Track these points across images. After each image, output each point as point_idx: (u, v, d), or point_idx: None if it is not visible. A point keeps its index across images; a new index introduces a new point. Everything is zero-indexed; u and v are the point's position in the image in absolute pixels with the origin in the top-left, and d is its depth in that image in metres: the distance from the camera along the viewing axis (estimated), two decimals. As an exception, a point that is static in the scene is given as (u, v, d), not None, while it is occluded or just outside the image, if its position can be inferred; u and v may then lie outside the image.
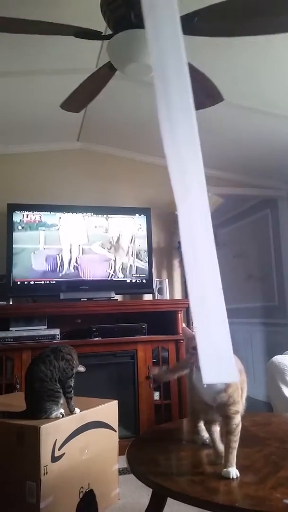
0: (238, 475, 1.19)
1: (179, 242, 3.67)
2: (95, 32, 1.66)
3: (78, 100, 2.03)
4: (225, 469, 1.20)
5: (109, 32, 1.68)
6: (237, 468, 1.22)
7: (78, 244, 3.22)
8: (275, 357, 2.59)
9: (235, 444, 1.24)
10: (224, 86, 2.59)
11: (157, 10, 0.75)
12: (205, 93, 2.01)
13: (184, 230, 0.87)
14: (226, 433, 1.25)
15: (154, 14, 0.74)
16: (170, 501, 1.38)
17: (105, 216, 3.31)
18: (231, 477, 1.18)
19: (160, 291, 3.41)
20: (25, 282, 3.03)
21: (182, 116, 0.72)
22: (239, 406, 1.29)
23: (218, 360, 0.95)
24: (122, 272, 3.28)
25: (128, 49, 1.64)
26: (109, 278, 3.24)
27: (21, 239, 3.08)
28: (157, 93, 0.68)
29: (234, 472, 1.20)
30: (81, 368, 1.96)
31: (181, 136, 0.72)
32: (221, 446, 1.30)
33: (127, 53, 1.65)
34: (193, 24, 1.58)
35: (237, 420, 1.26)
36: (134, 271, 3.31)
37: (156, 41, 0.72)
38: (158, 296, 3.39)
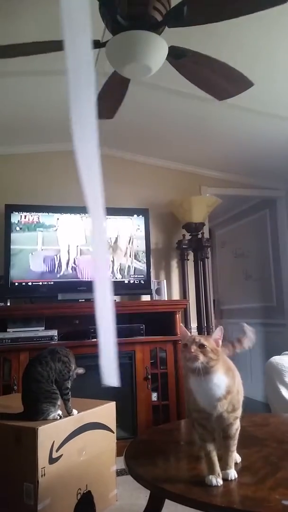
0: (236, 476, 1.19)
1: (177, 243, 3.68)
2: (95, 42, 1.67)
3: (105, 107, 2.06)
4: (223, 471, 1.19)
5: (107, 37, 1.68)
6: (235, 469, 1.22)
7: (76, 245, 3.22)
8: (273, 357, 2.59)
9: (234, 448, 1.23)
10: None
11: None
12: (229, 80, 1.95)
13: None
14: (226, 438, 1.22)
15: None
16: (168, 503, 1.38)
17: (103, 217, 3.30)
18: (229, 478, 1.18)
19: (158, 292, 3.41)
20: (23, 283, 3.02)
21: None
22: (239, 412, 1.26)
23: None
24: (120, 273, 3.28)
25: (126, 50, 1.64)
26: (107, 279, 3.23)
27: (19, 240, 3.08)
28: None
29: (232, 473, 1.19)
30: (80, 370, 1.96)
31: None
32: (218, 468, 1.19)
33: (123, 54, 1.65)
34: (184, 14, 1.58)
35: (236, 425, 1.24)
36: (132, 272, 3.31)
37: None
38: (156, 297, 3.38)
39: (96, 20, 1.66)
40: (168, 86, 2.59)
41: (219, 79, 1.88)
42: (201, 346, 1.18)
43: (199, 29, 1.67)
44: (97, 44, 1.70)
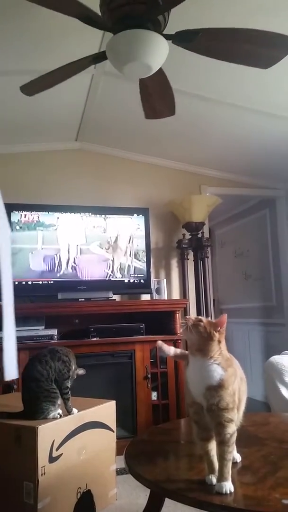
0: (232, 490, 1.11)
1: (178, 242, 3.68)
2: (98, 19, 1.62)
3: (40, 85, 1.98)
4: (218, 483, 1.13)
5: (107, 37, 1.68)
6: (235, 468, 1.22)
7: (76, 244, 3.22)
8: (272, 357, 2.59)
9: (229, 456, 1.15)
10: (223, 86, 2.61)
11: None
12: (164, 104, 2.12)
13: None
14: (219, 443, 1.15)
15: None
16: (167, 501, 1.38)
17: (103, 216, 3.31)
18: (224, 492, 1.10)
19: (158, 291, 3.41)
20: (23, 282, 3.02)
21: None
22: (233, 415, 1.17)
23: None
24: (120, 272, 3.28)
25: (127, 48, 1.64)
26: (107, 278, 3.24)
27: (19, 239, 3.08)
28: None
29: (228, 487, 1.11)
30: (81, 371, 1.96)
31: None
32: (216, 465, 1.18)
33: (126, 53, 1.65)
34: (194, 40, 1.64)
35: (231, 429, 1.16)
36: (132, 271, 3.31)
37: None
38: (156, 296, 3.38)
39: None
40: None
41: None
42: (199, 320, 1.22)
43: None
44: (100, 25, 1.66)
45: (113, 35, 1.65)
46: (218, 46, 1.69)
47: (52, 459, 1.72)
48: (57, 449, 1.75)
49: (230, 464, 1.15)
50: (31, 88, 1.99)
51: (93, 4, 1.59)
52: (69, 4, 1.50)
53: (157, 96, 2.04)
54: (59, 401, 1.85)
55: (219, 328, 1.21)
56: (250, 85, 2.57)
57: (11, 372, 1.55)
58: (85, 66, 1.84)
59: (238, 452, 1.32)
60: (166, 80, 1.92)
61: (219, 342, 1.20)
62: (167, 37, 1.67)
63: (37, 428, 1.67)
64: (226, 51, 1.73)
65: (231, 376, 1.20)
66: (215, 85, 2.59)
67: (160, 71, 1.82)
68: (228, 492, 1.11)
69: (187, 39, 1.66)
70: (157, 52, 1.66)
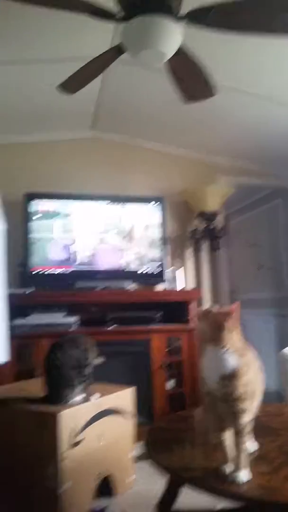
0: (247, 479, 1.13)
1: (192, 232, 3.68)
2: (110, 13, 1.63)
3: (77, 82, 2.01)
4: (234, 473, 1.15)
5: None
6: (250, 458, 1.24)
7: (93, 233, 3.25)
8: (287, 347, 2.60)
9: (244, 446, 1.18)
10: (238, 74, 2.57)
11: None
12: (201, 86, 2.05)
13: None
14: (235, 433, 1.19)
15: None
16: (185, 488, 1.42)
17: (119, 205, 3.33)
18: (239, 481, 1.12)
19: (173, 280, 3.43)
20: (42, 271, 3.08)
21: None
22: (248, 404, 1.18)
23: None
24: (136, 262, 3.30)
25: (143, 35, 1.62)
26: (123, 267, 3.27)
27: (38, 229, 3.12)
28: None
29: (242, 476, 1.13)
30: (99, 360, 2.00)
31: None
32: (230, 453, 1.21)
33: (141, 39, 1.64)
34: (208, 17, 1.59)
35: (245, 419, 1.17)
36: (147, 261, 3.33)
37: None
38: (171, 286, 3.40)
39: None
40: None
41: (193, 83, 1.96)
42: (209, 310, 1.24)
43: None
44: (113, 18, 1.66)
45: (126, 22, 1.64)
46: (234, 19, 1.62)
47: (73, 445, 1.78)
48: (77, 435, 1.81)
49: (245, 454, 1.18)
50: (70, 85, 2.03)
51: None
52: (77, 4, 1.54)
53: (189, 79, 1.99)
54: (79, 388, 1.91)
55: (230, 317, 1.20)
56: (266, 72, 2.54)
57: None
58: (114, 56, 1.82)
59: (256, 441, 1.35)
60: (195, 62, 1.87)
61: (231, 331, 1.20)
62: (181, 19, 1.63)
63: (58, 414, 1.72)
64: (243, 23, 1.65)
65: (244, 366, 1.19)
66: (230, 72, 2.55)
67: (186, 54, 1.79)
68: (243, 481, 1.13)
69: (200, 18, 1.61)
70: (170, 38, 1.63)
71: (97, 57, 1.85)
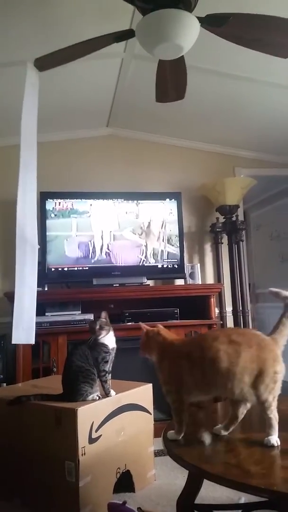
0: (279, 443, 1.26)
1: (211, 226, 3.63)
2: (129, 32, 1.73)
3: (55, 60, 1.94)
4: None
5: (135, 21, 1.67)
6: (274, 452, 1.21)
7: (110, 230, 3.24)
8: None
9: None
10: (257, 64, 2.52)
11: None
12: (175, 88, 2.14)
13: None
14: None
15: None
16: (206, 483, 1.39)
17: (135, 201, 3.31)
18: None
19: (192, 275, 3.40)
20: (59, 269, 3.08)
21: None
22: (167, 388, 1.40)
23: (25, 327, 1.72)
24: (153, 258, 3.28)
25: (157, 29, 1.62)
26: (140, 264, 3.25)
27: (54, 227, 3.13)
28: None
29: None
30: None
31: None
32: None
33: (156, 34, 1.63)
34: (224, 24, 1.61)
35: (169, 400, 1.40)
36: (165, 256, 3.31)
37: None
38: (190, 281, 3.37)
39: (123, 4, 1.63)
40: (202, 66, 2.52)
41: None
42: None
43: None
44: (134, 33, 1.70)
45: (142, 16, 1.63)
46: (248, 33, 1.66)
47: (91, 440, 1.76)
48: (96, 430, 1.79)
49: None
50: (47, 61, 1.95)
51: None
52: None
53: (171, 80, 2.05)
54: (97, 384, 1.89)
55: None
56: (284, 62, 2.47)
57: (24, 337, 1.70)
58: (106, 43, 1.79)
59: (278, 436, 1.31)
60: (183, 64, 1.91)
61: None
62: (198, 19, 1.62)
63: (77, 410, 1.72)
64: (256, 40, 1.71)
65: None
66: (248, 63, 2.50)
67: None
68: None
69: (217, 23, 1.62)
70: (189, 32, 1.62)
71: (88, 40, 1.78)
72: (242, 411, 1.40)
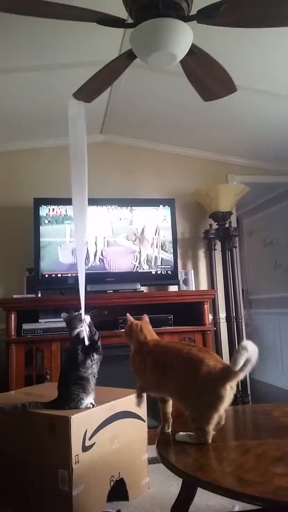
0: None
1: (205, 232, 3.65)
2: (118, 20, 1.64)
3: (91, 90, 2.01)
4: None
5: (131, 20, 1.66)
6: (268, 459, 1.20)
7: (103, 236, 3.24)
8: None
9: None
10: (251, 72, 2.55)
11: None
12: (219, 83, 2.02)
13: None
14: None
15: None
16: (200, 491, 1.39)
17: (129, 208, 3.32)
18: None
19: (186, 282, 3.40)
20: (53, 275, 3.07)
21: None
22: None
23: None
24: (147, 264, 3.28)
25: (151, 38, 1.62)
26: (134, 270, 3.25)
27: (48, 233, 3.13)
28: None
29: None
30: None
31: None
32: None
33: (150, 42, 1.63)
34: (219, 13, 1.56)
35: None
36: (159, 263, 3.31)
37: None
38: (183, 287, 3.38)
39: (119, 9, 1.65)
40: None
41: (213, 82, 1.94)
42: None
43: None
44: (123, 24, 1.66)
45: (135, 24, 1.64)
46: (245, 13, 1.60)
47: (85, 448, 1.75)
48: (90, 438, 1.78)
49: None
50: (84, 93, 2.07)
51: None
52: (85, 13, 1.55)
53: (206, 77, 1.97)
54: (91, 388, 1.88)
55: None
56: (280, 70, 2.51)
57: None
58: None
59: (271, 443, 1.31)
60: (211, 59, 1.85)
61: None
62: (191, 18, 1.62)
63: (70, 417, 1.70)
64: (254, 17, 1.63)
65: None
66: (241, 71, 2.53)
67: (201, 52, 1.78)
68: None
69: (211, 15, 1.59)
70: (181, 39, 1.62)
71: (107, 64, 1.84)
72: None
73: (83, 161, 2.07)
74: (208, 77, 1.96)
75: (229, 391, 1.37)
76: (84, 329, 1.96)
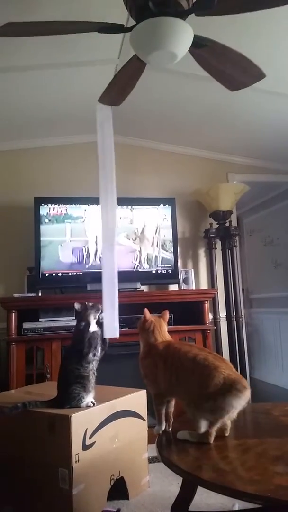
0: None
1: (205, 232, 3.65)
2: (117, 26, 1.66)
3: (112, 94, 2.04)
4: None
5: (131, 23, 1.67)
6: (267, 458, 1.21)
7: (104, 235, 3.24)
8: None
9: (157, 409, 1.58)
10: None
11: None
12: (243, 71, 1.93)
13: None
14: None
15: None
16: (200, 489, 1.39)
17: (129, 207, 3.32)
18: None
19: (186, 281, 3.40)
20: (53, 274, 3.08)
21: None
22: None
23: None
24: (147, 263, 3.28)
25: (150, 37, 1.62)
26: (134, 269, 3.26)
27: (48, 232, 3.13)
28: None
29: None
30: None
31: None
32: None
33: (150, 42, 1.63)
34: (215, 2, 1.54)
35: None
36: (159, 262, 3.31)
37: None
38: (184, 286, 3.38)
39: (120, 8, 1.65)
40: (193, 73, 2.54)
41: (234, 70, 1.86)
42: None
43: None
44: (122, 29, 1.68)
45: (136, 23, 1.64)
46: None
47: (85, 447, 1.76)
48: (90, 437, 1.78)
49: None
50: (108, 98, 2.08)
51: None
52: (85, 26, 1.60)
53: (227, 67, 1.89)
54: (91, 387, 1.88)
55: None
56: (280, 68, 2.51)
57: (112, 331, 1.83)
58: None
59: (270, 442, 1.31)
60: (227, 49, 1.79)
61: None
62: (189, 11, 1.61)
63: (70, 416, 1.71)
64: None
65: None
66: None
67: (213, 43, 1.74)
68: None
69: (207, 5, 1.56)
70: (181, 38, 1.62)
71: (123, 67, 1.84)
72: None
73: (111, 163, 2.08)
74: (227, 66, 1.88)
75: (239, 402, 1.39)
76: (97, 320, 1.99)
